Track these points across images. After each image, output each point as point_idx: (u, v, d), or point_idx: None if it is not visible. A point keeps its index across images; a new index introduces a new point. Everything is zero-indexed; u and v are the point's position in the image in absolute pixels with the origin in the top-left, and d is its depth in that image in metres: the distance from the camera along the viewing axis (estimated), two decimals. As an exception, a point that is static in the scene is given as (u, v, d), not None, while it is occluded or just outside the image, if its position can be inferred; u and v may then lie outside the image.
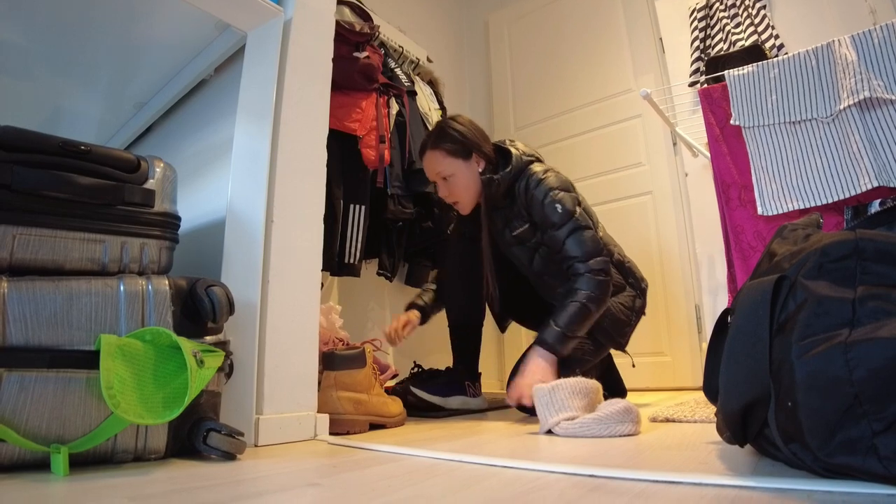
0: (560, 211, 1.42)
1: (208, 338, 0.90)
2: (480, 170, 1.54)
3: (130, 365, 0.76)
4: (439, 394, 1.57)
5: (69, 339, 0.75)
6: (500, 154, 1.58)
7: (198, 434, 0.83)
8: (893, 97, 1.36)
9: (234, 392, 0.99)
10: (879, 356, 0.50)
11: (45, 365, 0.72)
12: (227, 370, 0.93)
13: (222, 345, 0.91)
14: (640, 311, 1.61)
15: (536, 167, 1.51)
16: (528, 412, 1.36)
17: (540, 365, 1.34)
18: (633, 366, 1.73)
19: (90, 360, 0.74)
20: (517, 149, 1.55)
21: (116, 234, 0.87)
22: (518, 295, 1.68)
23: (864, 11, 1.92)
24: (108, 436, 0.75)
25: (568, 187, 1.47)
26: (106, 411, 0.74)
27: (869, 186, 1.36)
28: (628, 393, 1.83)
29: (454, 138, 1.53)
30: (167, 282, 0.86)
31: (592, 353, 1.50)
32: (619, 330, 1.53)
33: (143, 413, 0.73)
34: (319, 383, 1.18)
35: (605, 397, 1.66)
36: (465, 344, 1.70)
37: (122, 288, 0.82)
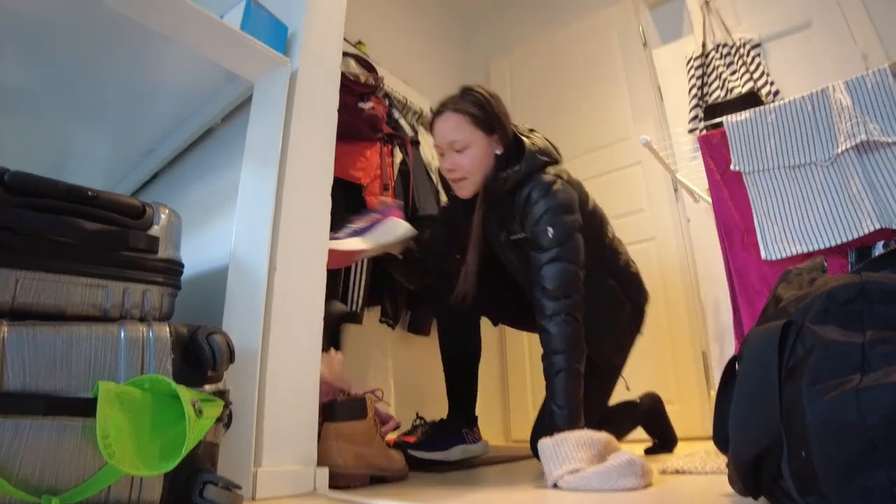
0: (550, 236, 1.29)
1: (208, 386, 0.88)
2: (498, 152, 1.40)
3: (128, 413, 0.74)
4: (439, 448, 1.52)
5: (67, 385, 0.74)
6: (515, 144, 1.42)
7: (194, 486, 0.80)
8: (890, 140, 1.38)
9: (233, 443, 0.96)
10: (893, 401, 0.49)
11: (42, 412, 0.70)
12: (225, 420, 0.90)
13: (222, 394, 0.89)
14: (638, 327, 1.56)
15: (548, 175, 1.35)
16: None
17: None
18: (627, 388, 1.65)
19: (87, 407, 0.72)
20: (534, 143, 1.41)
21: (119, 280, 0.87)
22: (508, 296, 1.56)
23: (857, 57, 1.97)
24: (102, 486, 0.72)
25: (571, 208, 1.34)
26: (100, 461, 0.72)
27: (871, 229, 1.36)
28: (637, 444, 1.79)
29: (482, 106, 1.38)
30: (168, 328, 0.85)
31: (604, 383, 1.48)
32: (613, 350, 1.50)
33: (138, 464, 0.71)
34: (319, 434, 1.16)
35: (655, 444, 1.68)
36: (459, 385, 1.61)
37: (122, 334, 0.81)
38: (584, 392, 1.29)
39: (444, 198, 2.22)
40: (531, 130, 1.48)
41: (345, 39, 1.68)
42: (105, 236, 0.86)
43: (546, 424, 1.24)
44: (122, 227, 0.89)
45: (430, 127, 1.45)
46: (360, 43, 2.33)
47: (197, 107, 1.41)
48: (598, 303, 1.41)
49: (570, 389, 1.23)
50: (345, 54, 1.94)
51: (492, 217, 1.43)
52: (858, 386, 0.52)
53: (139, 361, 0.80)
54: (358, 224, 1.39)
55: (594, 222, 1.47)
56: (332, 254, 1.28)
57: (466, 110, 1.37)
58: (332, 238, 1.31)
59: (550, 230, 1.30)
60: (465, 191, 1.42)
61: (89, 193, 0.86)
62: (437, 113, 1.42)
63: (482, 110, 1.37)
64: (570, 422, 1.21)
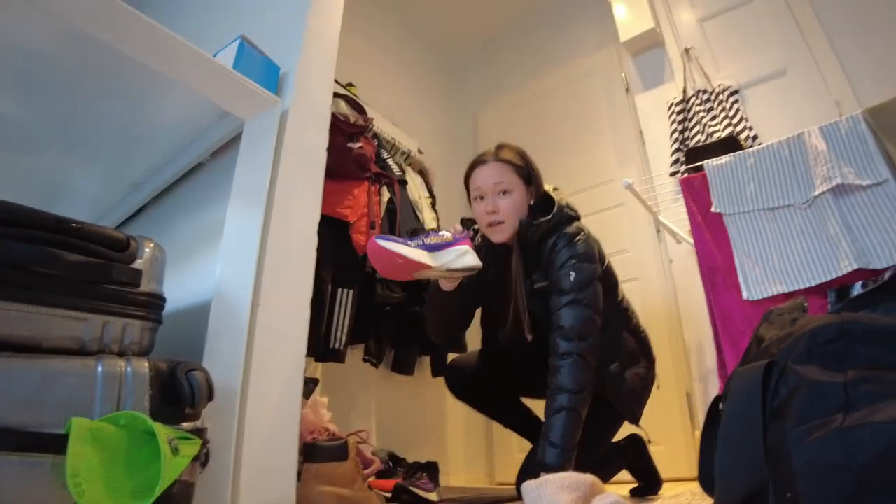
0: (571, 280, 1.35)
1: (185, 424, 0.86)
2: (531, 203, 1.49)
3: (101, 451, 0.72)
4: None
5: (39, 420, 0.72)
6: (545, 198, 1.51)
7: (167, 528, 0.77)
8: (864, 183, 1.42)
9: (209, 483, 0.94)
10: (879, 441, 0.49)
11: (11, 447, 0.68)
12: (202, 459, 0.88)
13: (199, 432, 0.87)
14: (653, 382, 1.58)
15: (573, 227, 1.44)
16: None
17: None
18: (650, 441, 1.68)
19: (59, 443, 0.70)
20: (560, 196, 1.50)
21: (99, 313, 0.85)
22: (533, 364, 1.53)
23: (830, 103, 2.05)
24: (70, 529, 0.69)
25: (592, 257, 1.41)
26: (69, 501, 0.69)
27: (849, 269, 1.39)
28: (623, 485, 1.76)
29: (522, 157, 1.51)
30: (147, 364, 0.84)
31: (607, 430, 1.48)
32: (635, 401, 1.50)
33: (109, 504, 0.69)
34: (299, 475, 1.13)
35: (640, 486, 1.67)
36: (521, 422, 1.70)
37: (100, 369, 0.79)
38: (587, 436, 1.29)
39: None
40: (555, 189, 1.55)
41: (335, 81, 1.72)
42: (87, 268, 0.85)
43: (536, 460, 1.26)
44: (106, 260, 0.88)
45: (468, 176, 1.53)
46: (350, 84, 2.38)
47: (187, 143, 1.42)
48: (620, 352, 1.48)
49: (568, 429, 1.25)
50: (335, 95, 1.98)
51: (523, 270, 1.47)
52: (842, 426, 0.52)
53: (116, 397, 0.79)
54: (429, 240, 1.35)
55: (610, 279, 1.52)
56: (395, 260, 1.26)
57: (510, 160, 1.48)
58: (401, 243, 1.28)
59: (572, 274, 1.36)
60: (501, 235, 1.47)
61: (73, 225, 0.85)
62: (480, 162, 1.51)
63: (523, 161, 1.49)
64: (562, 461, 1.22)
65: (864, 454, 0.50)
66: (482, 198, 1.48)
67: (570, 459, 1.25)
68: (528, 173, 1.48)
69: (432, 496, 1.55)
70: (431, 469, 1.64)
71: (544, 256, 1.43)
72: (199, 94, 1.19)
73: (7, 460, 0.68)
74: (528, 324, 1.44)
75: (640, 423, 1.56)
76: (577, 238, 1.42)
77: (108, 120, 1.33)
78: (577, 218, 1.51)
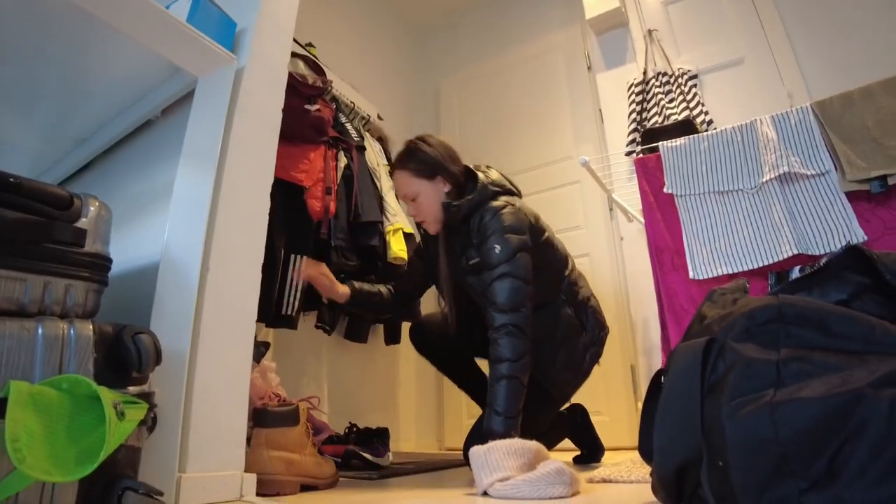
0: (497, 253, 1.39)
1: (132, 388, 0.84)
2: (446, 191, 1.54)
3: (42, 415, 0.69)
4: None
5: (-26, 384, 0.69)
6: (470, 178, 1.57)
7: (112, 493, 0.76)
8: (809, 172, 1.49)
9: (156, 448, 0.92)
10: (803, 416, 0.52)
11: (-56, 413, 0.65)
12: (149, 424, 0.86)
13: (146, 396, 0.86)
14: (593, 362, 1.62)
15: (498, 202, 1.48)
16: None
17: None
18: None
19: (-4, 408, 0.68)
20: (487, 176, 1.55)
21: (39, 274, 0.82)
22: (475, 325, 1.58)
23: (783, 94, 2.13)
24: (9, 494, 0.67)
25: (519, 229, 1.43)
26: (8, 466, 0.67)
27: (789, 254, 1.46)
28: (566, 453, 1.83)
29: (420, 159, 1.55)
30: (91, 326, 0.81)
31: (550, 405, 1.54)
32: (567, 381, 1.57)
33: (51, 469, 0.67)
34: (249, 441, 1.12)
35: (583, 454, 1.74)
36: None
37: (40, 331, 0.76)
38: (530, 413, 1.37)
39: (388, 203, 2.22)
40: (488, 167, 1.61)
41: (295, 40, 1.67)
42: (26, 226, 0.81)
43: (482, 427, 1.31)
44: (47, 218, 0.84)
45: (393, 183, 1.65)
46: (310, 45, 2.30)
47: (135, 98, 1.35)
48: (556, 331, 1.54)
49: (510, 397, 1.30)
50: (294, 55, 1.92)
51: (454, 246, 1.56)
52: (772, 401, 0.55)
53: (58, 360, 0.76)
54: None
55: (548, 252, 1.55)
56: None
57: (406, 166, 1.56)
58: None
59: (497, 247, 1.40)
60: (430, 228, 1.59)
61: (11, 180, 0.81)
62: (390, 172, 1.64)
63: (420, 162, 1.55)
64: (506, 428, 1.27)
65: (789, 428, 0.53)
66: (405, 202, 1.62)
67: (515, 426, 1.29)
68: (430, 170, 1.53)
69: (382, 461, 1.58)
70: (383, 435, 1.66)
71: (473, 233, 1.48)
72: (149, 48, 1.13)
73: (-60, 425, 0.65)
74: (455, 316, 1.56)
75: (586, 394, 1.62)
76: (503, 210, 1.45)
77: (46, 71, 1.25)
78: (505, 192, 1.54)
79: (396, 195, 1.67)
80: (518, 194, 1.61)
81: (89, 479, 0.73)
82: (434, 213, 1.54)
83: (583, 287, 1.64)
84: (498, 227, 1.41)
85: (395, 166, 1.59)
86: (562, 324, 1.55)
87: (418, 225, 1.69)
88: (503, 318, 1.35)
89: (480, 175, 1.54)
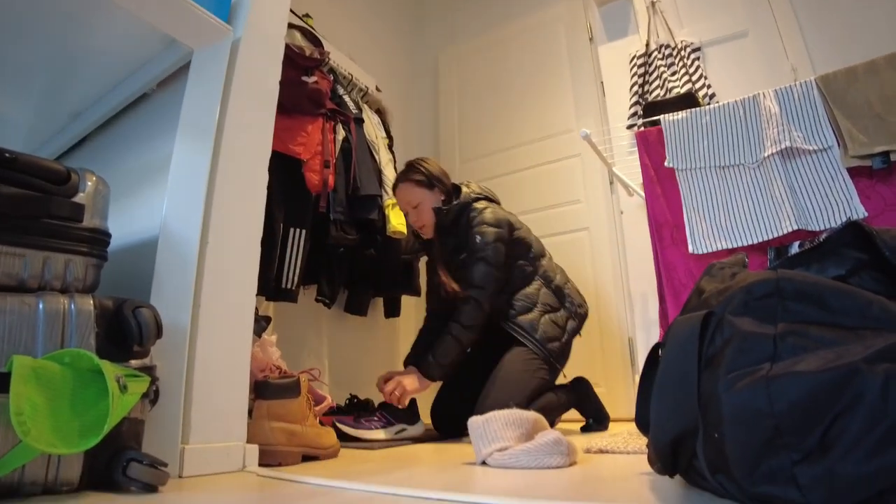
0: (478, 241, 1.71)
1: (133, 362, 0.85)
2: (441, 199, 1.84)
3: (45, 389, 0.70)
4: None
5: (-23, 359, 0.70)
6: (456, 190, 1.88)
7: (117, 464, 0.78)
8: (811, 148, 1.48)
9: (159, 420, 0.94)
10: (797, 390, 0.53)
11: (-52, 387, 0.66)
12: (151, 396, 0.88)
13: (148, 370, 0.87)
14: (573, 332, 1.83)
15: (480, 204, 1.81)
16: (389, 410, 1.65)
17: (416, 380, 1.64)
18: (564, 375, 1.86)
19: (0, 382, 0.69)
20: (469, 188, 1.88)
21: (39, 249, 0.82)
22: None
23: (787, 68, 2.10)
24: (15, 466, 0.69)
25: (499, 224, 1.75)
26: (13, 439, 0.68)
27: (789, 229, 1.46)
28: (566, 423, 1.87)
29: (420, 172, 1.86)
30: (92, 301, 0.82)
31: (535, 373, 1.67)
32: (548, 340, 1.73)
33: (55, 441, 0.68)
34: (251, 412, 1.14)
35: (589, 423, 1.81)
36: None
37: (41, 306, 0.76)
38: (515, 376, 1.63)
39: (387, 177, 2.21)
40: (469, 182, 1.93)
41: (291, 10, 1.64)
42: (23, 201, 0.81)
43: (417, 363, 1.66)
44: (44, 193, 0.84)
45: (396, 197, 1.94)
46: (307, 15, 2.26)
47: (130, 71, 1.33)
48: (535, 305, 1.77)
49: (446, 350, 1.64)
50: (290, 26, 1.89)
51: (449, 243, 1.85)
52: (768, 374, 0.55)
53: (59, 335, 0.77)
54: None
55: (523, 245, 1.84)
56: None
57: (409, 178, 1.86)
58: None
59: (479, 237, 1.72)
60: (426, 234, 1.89)
61: (7, 155, 0.80)
62: (395, 186, 1.92)
63: (421, 175, 1.86)
64: (433, 372, 1.64)
65: (784, 401, 0.53)
66: (406, 213, 1.91)
67: (442, 374, 1.66)
68: (429, 181, 1.85)
69: (376, 434, 1.59)
70: (368, 408, 1.69)
71: (462, 231, 1.78)
72: (143, 19, 1.11)
73: (-55, 399, 0.66)
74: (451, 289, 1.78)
75: (584, 366, 1.66)
76: (484, 210, 1.78)
77: (40, 43, 1.23)
78: (485, 199, 1.88)
79: (401, 206, 1.92)
80: (497, 202, 1.94)
81: (94, 451, 0.74)
82: (430, 218, 1.84)
83: (559, 274, 1.89)
84: (480, 221, 1.74)
85: (399, 180, 1.90)
86: (540, 300, 1.79)
87: (416, 235, 2.01)
88: (471, 291, 1.68)
89: (464, 187, 1.88)
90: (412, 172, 1.87)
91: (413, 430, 1.66)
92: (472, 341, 1.67)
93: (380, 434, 1.59)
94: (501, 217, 1.77)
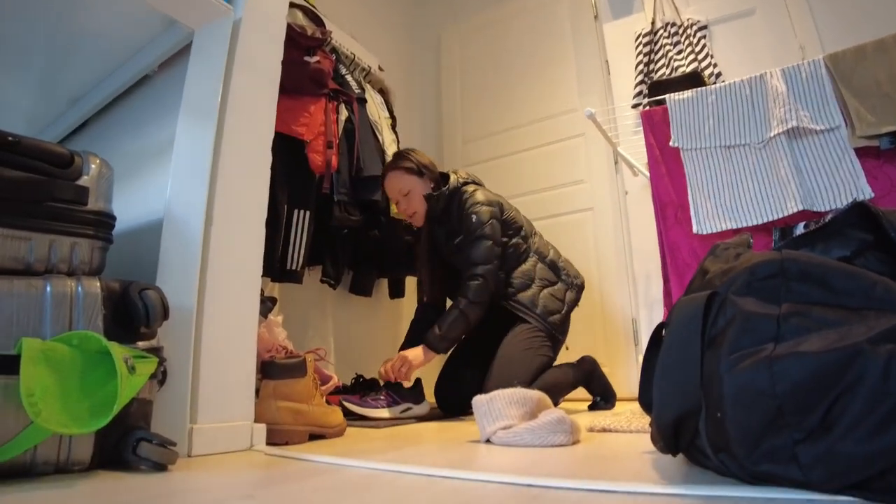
0: (474, 221, 1.75)
1: (141, 343, 0.86)
2: (432, 186, 1.87)
3: (54, 371, 0.71)
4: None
5: (-14, 342, 0.70)
6: (444, 178, 1.92)
7: (127, 444, 0.79)
8: (818, 128, 1.46)
9: (167, 400, 0.95)
10: (800, 370, 0.53)
11: (-41, 369, 0.67)
12: (159, 377, 0.89)
13: (155, 351, 0.88)
14: (573, 303, 1.87)
15: (470, 188, 1.85)
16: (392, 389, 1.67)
17: (421, 353, 1.67)
18: (567, 348, 1.91)
19: (9, 365, 0.69)
20: (456, 174, 1.91)
21: (44, 232, 0.82)
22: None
23: (795, 47, 2.06)
24: (28, 446, 0.70)
25: (491, 203, 1.79)
26: (25, 420, 0.69)
27: (795, 210, 1.45)
28: (571, 402, 1.89)
29: (409, 160, 1.88)
30: (99, 283, 0.82)
31: (538, 350, 1.71)
32: (549, 313, 1.77)
33: (66, 422, 0.69)
34: (258, 392, 1.15)
35: (597, 401, 1.86)
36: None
37: (48, 289, 0.77)
38: (518, 353, 1.68)
39: (389, 157, 2.20)
40: (455, 170, 1.95)
41: (292, -11, 1.61)
42: (28, 186, 0.81)
43: (424, 336, 1.69)
44: (48, 177, 0.84)
45: (382, 187, 1.97)
46: (307, -7, 2.23)
47: (130, 54, 1.33)
48: (533, 281, 1.83)
49: (455, 324, 1.67)
50: (292, 5, 1.87)
51: (440, 233, 1.90)
52: (771, 355, 0.55)
53: (67, 318, 0.78)
54: None
55: (514, 224, 1.87)
56: None
57: (399, 165, 1.88)
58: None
59: (475, 217, 1.76)
60: (418, 222, 1.92)
61: (10, 139, 0.80)
62: (384, 175, 1.93)
63: (410, 162, 1.88)
64: (438, 345, 1.67)
65: (786, 382, 0.54)
66: (396, 202, 1.92)
67: (446, 348, 1.71)
68: (418, 170, 1.87)
69: (381, 412, 1.61)
70: (395, 387, 1.70)
71: (454, 216, 1.83)
72: (142, 0, 1.10)
73: (-43, 382, 0.67)
74: (428, 289, 1.96)
75: (587, 346, 1.68)
76: (475, 192, 1.83)
77: (37, 26, 1.23)
78: (476, 183, 1.94)
79: (390, 195, 1.94)
80: (482, 184, 1.98)
81: (104, 431, 0.75)
82: (421, 205, 1.87)
83: (551, 250, 1.93)
84: (473, 202, 1.79)
85: (388, 168, 1.91)
86: (537, 276, 1.84)
87: (408, 227, 2.10)
88: (476, 269, 1.71)
89: (452, 175, 1.90)
90: (401, 160, 1.89)
91: (418, 409, 1.68)
92: (479, 318, 1.71)
93: (385, 412, 1.61)
94: (492, 198, 1.83)
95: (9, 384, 0.70)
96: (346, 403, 1.56)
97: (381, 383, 1.73)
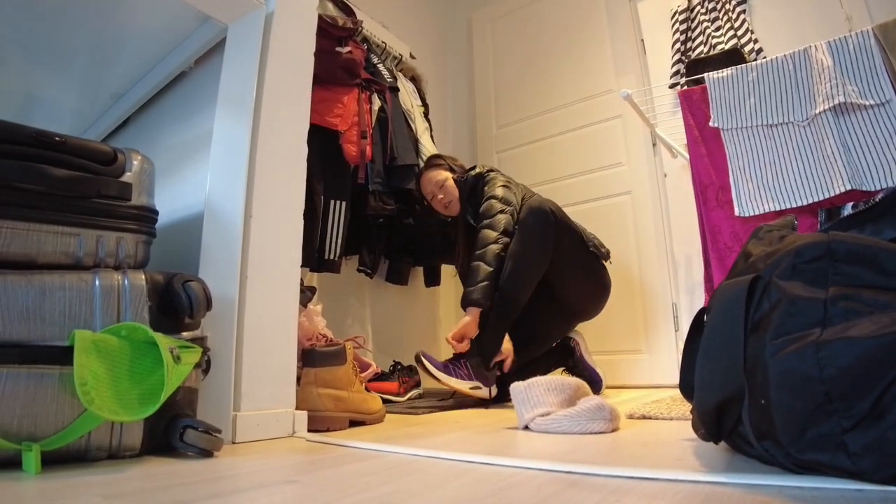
0: (488, 190, 1.86)
1: (185, 333, 0.89)
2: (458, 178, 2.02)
3: (105, 361, 0.74)
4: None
5: (41, 334, 0.74)
6: (471, 169, 2.06)
7: (174, 431, 0.82)
8: (867, 103, 1.39)
9: (212, 388, 0.98)
10: (849, 355, 0.51)
11: (17, 361, 0.70)
12: (204, 366, 0.92)
13: (199, 341, 0.90)
14: (602, 275, 1.88)
15: (492, 174, 1.95)
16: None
17: (465, 317, 1.67)
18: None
19: (63, 355, 0.73)
20: (481, 165, 2.04)
21: (92, 228, 0.86)
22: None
23: (841, 18, 1.96)
24: (82, 433, 0.73)
25: (509, 185, 1.89)
26: (79, 408, 0.73)
27: (842, 189, 1.38)
28: (607, 389, 1.86)
29: (441, 159, 2.07)
30: (144, 276, 0.85)
31: (558, 323, 1.80)
32: (583, 295, 1.86)
33: (117, 410, 0.72)
34: (299, 380, 1.18)
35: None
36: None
37: (97, 282, 0.80)
38: (538, 331, 1.80)
39: (423, 146, 2.21)
40: (483, 164, 2.07)
41: (322, -20, 1.62)
42: (75, 183, 0.84)
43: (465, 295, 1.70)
44: (93, 174, 0.87)
45: (419, 185, 2.10)
46: (338, -17, 2.24)
47: (167, 50, 1.36)
48: (581, 260, 1.83)
49: (474, 272, 1.68)
50: (322, -5, 1.87)
51: (469, 216, 1.99)
52: (819, 339, 0.54)
53: (115, 309, 0.81)
54: None
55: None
56: None
57: (434, 163, 2.06)
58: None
59: (487, 188, 1.87)
60: (454, 210, 2.03)
61: (57, 139, 0.83)
62: (419, 175, 2.08)
63: (442, 159, 2.07)
64: (467, 298, 1.66)
65: (833, 367, 0.52)
66: (434, 196, 2.03)
67: (477, 299, 1.64)
68: (449, 166, 2.05)
69: (454, 382, 1.63)
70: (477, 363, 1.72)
71: (478, 200, 1.91)
72: (177, -3, 1.12)
73: (14, 373, 0.70)
74: (460, 255, 2.04)
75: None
76: (497, 176, 1.94)
77: (80, 28, 1.27)
78: (495, 171, 2.01)
79: (428, 191, 2.04)
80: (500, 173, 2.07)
81: (153, 419, 0.78)
82: (455, 192, 1.99)
83: (578, 229, 1.88)
84: (495, 183, 1.88)
85: (423, 171, 2.07)
86: (581, 254, 1.84)
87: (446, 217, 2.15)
88: (496, 235, 1.72)
89: (477, 166, 2.03)
90: (433, 159, 2.09)
91: (481, 393, 1.67)
92: (497, 257, 1.69)
93: (456, 383, 1.63)
94: (511, 180, 1.94)
95: (64, 374, 0.73)
96: (426, 362, 1.61)
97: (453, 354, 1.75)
